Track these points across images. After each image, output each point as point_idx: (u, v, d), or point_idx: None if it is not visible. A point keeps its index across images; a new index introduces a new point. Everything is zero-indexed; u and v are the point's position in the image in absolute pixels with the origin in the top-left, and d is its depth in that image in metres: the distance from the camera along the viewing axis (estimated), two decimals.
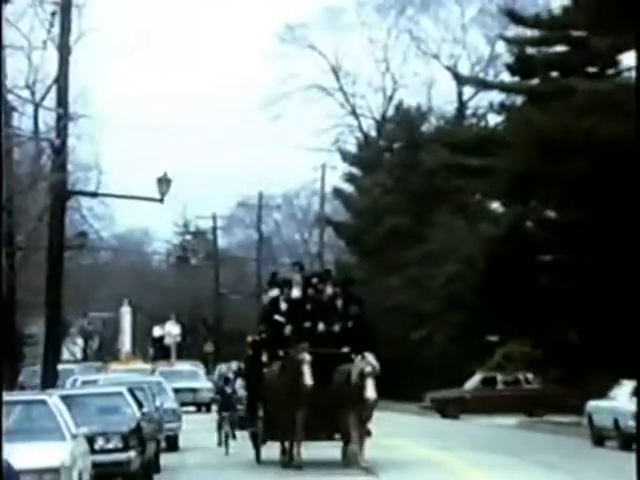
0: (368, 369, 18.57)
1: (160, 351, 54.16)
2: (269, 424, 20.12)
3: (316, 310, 20.28)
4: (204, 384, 39.51)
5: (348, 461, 19.38)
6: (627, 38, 33.21)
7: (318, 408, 18.98)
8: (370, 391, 18.45)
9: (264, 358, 20.35)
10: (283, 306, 20.50)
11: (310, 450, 19.86)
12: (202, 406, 39.52)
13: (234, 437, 24.23)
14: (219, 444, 24.33)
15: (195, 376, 41.37)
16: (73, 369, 38.97)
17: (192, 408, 38.21)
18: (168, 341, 54.34)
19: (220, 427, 24.75)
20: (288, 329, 20.05)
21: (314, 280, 21.13)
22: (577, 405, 29.54)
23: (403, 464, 20.06)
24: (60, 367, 30.60)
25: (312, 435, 19.62)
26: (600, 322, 32.11)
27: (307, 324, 20.10)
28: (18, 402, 14.92)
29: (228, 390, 25.32)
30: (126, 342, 53.08)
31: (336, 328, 20.07)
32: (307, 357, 18.87)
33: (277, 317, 20.36)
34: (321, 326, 20.07)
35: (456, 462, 20.66)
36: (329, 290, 20.58)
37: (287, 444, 19.82)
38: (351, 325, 20.07)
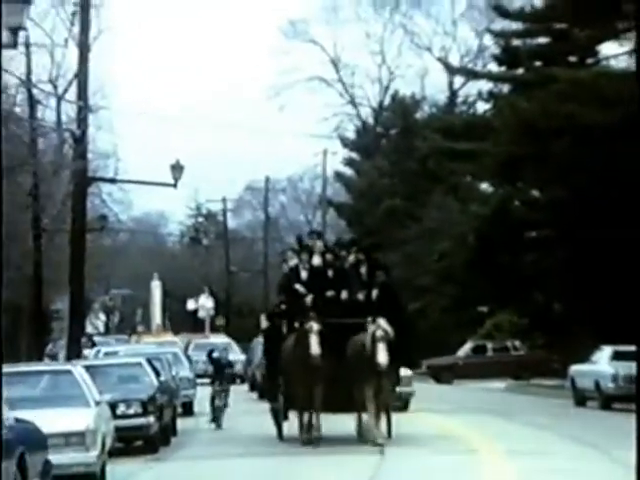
0: (379, 333, 16.25)
1: (194, 324, 51.66)
2: (288, 399, 17.79)
3: (339, 278, 17.67)
4: (238, 356, 37.80)
5: (363, 437, 17.16)
6: (605, 29, 33.16)
7: (335, 380, 16.68)
8: (381, 356, 16.08)
9: (284, 330, 17.77)
10: (303, 275, 17.84)
11: (328, 423, 17.58)
12: (237, 378, 37.89)
13: (226, 406, 21.04)
14: (212, 420, 20.76)
15: (229, 348, 39.67)
16: (109, 341, 39.24)
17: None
18: (202, 314, 51.76)
19: (213, 401, 20.95)
20: (309, 299, 17.47)
21: (337, 247, 18.76)
22: (560, 369, 29.66)
23: (404, 432, 17.88)
24: (96, 339, 30.79)
25: (331, 408, 17.28)
26: (581, 293, 32.18)
27: (329, 293, 17.53)
28: (45, 372, 15.01)
29: (222, 361, 21.62)
30: (157, 315, 48.98)
31: (360, 297, 17.46)
32: (315, 326, 16.57)
33: (297, 286, 17.71)
34: (344, 295, 17.49)
35: (451, 424, 20.75)
36: (352, 257, 17.96)
37: (305, 418, 17.34)
38: (376, 293, 17.41)
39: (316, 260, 18.06)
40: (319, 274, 17.74)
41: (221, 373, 21.38)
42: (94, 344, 31.02)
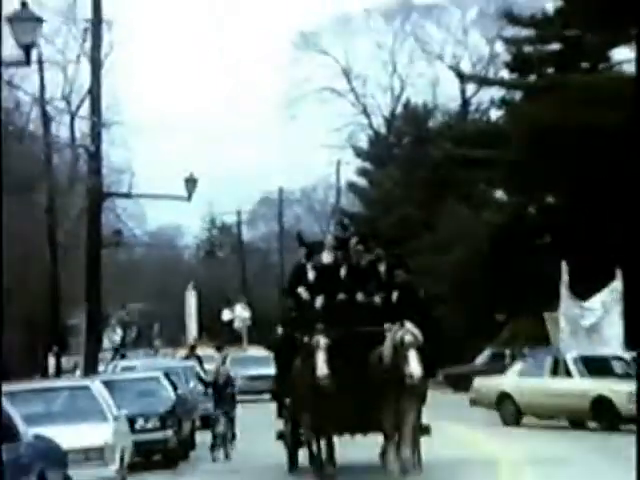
0: (408, 338, 13.30)
1: (229, 335, 48.28)
2: (296, 424, 15.22)
3: (353, 278, 14.74)
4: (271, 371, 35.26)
5: (399, 468, 13.89)
6: (616, 35, 33.13)
7: (354, 399, 13.96)
8: (414, 365, 13.06)
9: (295, 342, 14.76)
10: (310, 275, 14.91)
11: (348, 449, 15.10)
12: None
13: (234, 437, 18.22)
14: (211, 448, 18.00)
15: (268, 362, 35.82)
16: (138, 354, 38.89)
17: (267, 395, 29.11)
18: (238, 325, 48.70)
19: (213, 427, 18.14)
20: (318, 303, 14.57)
21: (352, 242, 15.37)
22: None
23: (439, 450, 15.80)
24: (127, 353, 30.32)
25: (350, 430, 14.71)
26: None
27: (341, 296, 14.60)
28: (63, 388, 15.04)
29: (220, 379, 18.25)
30: (192, 327, 44.47)
31: (377, 300, 14.61)
32: (322, 341, 13.84)
33: (300, 290, 14.86)
34: (360, 297, 14.59)
35: (471, 435, 20.68)
36: (369, 254, 15.07)
37: (315, 447, 14.69)
38: (397, 295, 14.59)
39: (326, 257, 15.23)
40: (329, 273, 14.87)
41: (220, 394, 18.19)
42: (124, 356, 31.01)
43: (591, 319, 22.50)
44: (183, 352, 37.16)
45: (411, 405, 13.77)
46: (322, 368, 13.77)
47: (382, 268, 14.98)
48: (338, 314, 14.46)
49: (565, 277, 23.40)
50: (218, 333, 51.83)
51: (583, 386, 20.91)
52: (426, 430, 14.87)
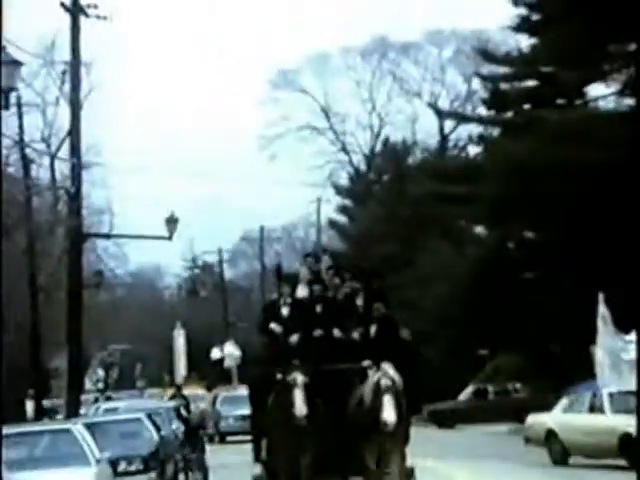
0: (384, 382, 12.74)
1: (219, 373, 47.63)
2: (270, 471, 13.75)
3: (329, 312, 13.86)
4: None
5: None
6: (591, 71, 33.49)
7: (332, 443, 13.14)
8: (387, 412, 12.53)
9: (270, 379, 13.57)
10: (284, 311, 13.98)
11: None
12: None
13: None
14: None
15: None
16: (122, 396, 38.53)
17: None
18: (228, 363, 47.07)
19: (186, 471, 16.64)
20: (294, 339, 13.60)
21: (328, 274, 14.38)
22: None
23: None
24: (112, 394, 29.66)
25: (327, 473, 13.53)
26: (578, 334, 32.15)
27: (317, 332, 13.68)
28: (45, 432, 14.94)
29: (193, 420, 16.86)
30: (181, 366, 43.16)
31: (355, 335, 13.71)
32: (300, 378, 12.94)
33: (273, 326, 13.82)
34: (336, 333, 13.67)
35: (459, 470, 20.58)
36: (347, 286, 14.14)
37: None
38: (375, 330, 13.66)
39: (301, 292, 14.28)
40: (304, 308, 13.94)
41: (191, 435, 17.34)
42: (109, 398, 30.80)
43: (632, 352, 21.08)
44: (172, 392, 36.79)
45: (395, 447, 13.04)
46: (300, 408, 12.79)
47: (360, 302, 14.11)
48: (314, 350, 13.58)
49: (602, 309, 22.16)
50: (207, 372, 51.25)
51: (613, 423, 20.02)
52: (410, 473, 13.68)
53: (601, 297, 22.40)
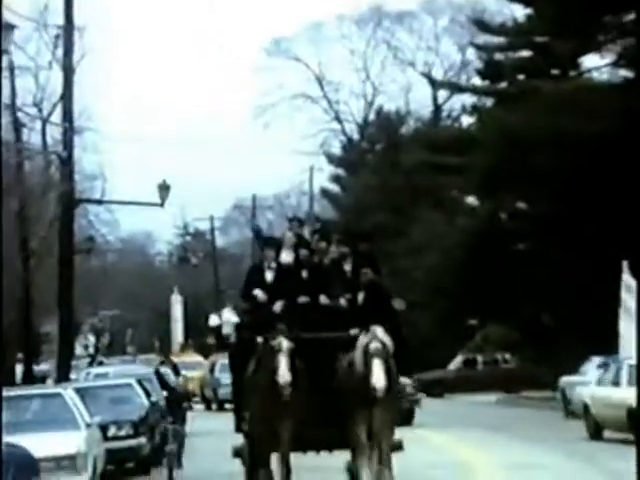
0: (373, 345, 11.83)
1: (218, 340, 48.13)
2: (252, 441, 12.76)
3: (315, 278, 13.05)
4: None
5: None
6: (585, 42, 33.38)
7: (317, 415, 12.12)
8: (377, 377, 11.59)
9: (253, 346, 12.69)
10: (268, 276, 13.07)
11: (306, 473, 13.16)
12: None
13: (179, 465, 16.44)
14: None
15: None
16: (114, 362, 38.64)
17: None
18: (227, 330, 47.83)
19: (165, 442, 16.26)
20: (277, 307, 12.76)
21: (314, 238, 13.66)
22: (550, 381, 29.69)
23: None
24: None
25: (313, 446, 12.72)
26: (570, 304, 32.24)
27: (303, 299, 12.88)
28: (35, 396, 14.95)
29: (178, 389, 16.57)
30: (179, 333, 43.58)
31: (342, 302, 12.94)
32: (285, 344, 11.98)
33: (257, 292, 12.94)
34: (323, 300, 12.89)
35: (447, 439, 20.67)
36: (334, 251, 13.34)
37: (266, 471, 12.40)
38: (363, 296, 12.86)
39: (285, 256, 13.37)
40: (289, 274, 13.09)
41: (174, 405, 16.84)
42: (101, 363, 30.78)
43: None
44: (173, 358, 36.73)
45: (385, 420, 12.01)
46: (284, 375, 11.80)
47: (348, 267, 13.28)
48: (298, 318, 12.61)
49: (626, 277, 20.84)
50: (202, 339, 51.33)
51: (625, 395, 18.91)
52: (399, 446, 12.64)
53: (625, 265, 21.14)
